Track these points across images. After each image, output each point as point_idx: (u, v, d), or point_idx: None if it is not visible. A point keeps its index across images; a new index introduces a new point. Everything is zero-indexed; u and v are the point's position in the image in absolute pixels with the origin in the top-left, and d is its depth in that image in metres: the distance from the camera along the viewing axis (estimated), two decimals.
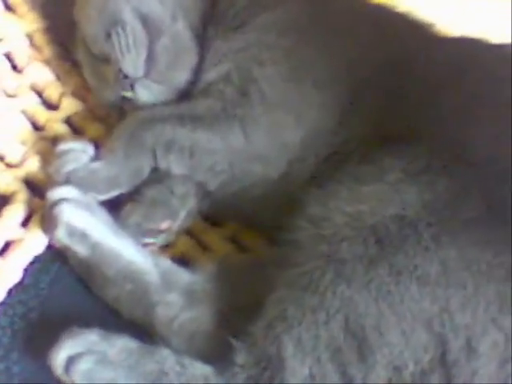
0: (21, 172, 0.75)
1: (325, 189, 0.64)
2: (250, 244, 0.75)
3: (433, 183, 0.60)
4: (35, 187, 0.75)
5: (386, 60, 0.69)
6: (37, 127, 0.80)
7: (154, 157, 0.70)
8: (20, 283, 0.67)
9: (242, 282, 0.67)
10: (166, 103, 0.74)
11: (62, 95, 0.82)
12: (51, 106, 0.82)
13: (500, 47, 0.72)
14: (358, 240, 0.58)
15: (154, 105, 0.73)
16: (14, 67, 0.83)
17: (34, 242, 0.69)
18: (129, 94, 0.73)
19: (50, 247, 0.69)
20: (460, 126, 0.64)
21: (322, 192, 0.64)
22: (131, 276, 0.66)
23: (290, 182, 0.69)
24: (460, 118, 0.65)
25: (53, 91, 0.82)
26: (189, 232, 0.74)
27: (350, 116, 0.68)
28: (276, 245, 0.68)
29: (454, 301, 0.56)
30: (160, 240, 0.71)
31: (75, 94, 0.83)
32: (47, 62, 0.84)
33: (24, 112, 0.81)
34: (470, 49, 0.71)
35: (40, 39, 0.85)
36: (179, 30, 0.73)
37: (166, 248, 0.72)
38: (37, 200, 0.73)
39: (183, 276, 0.67)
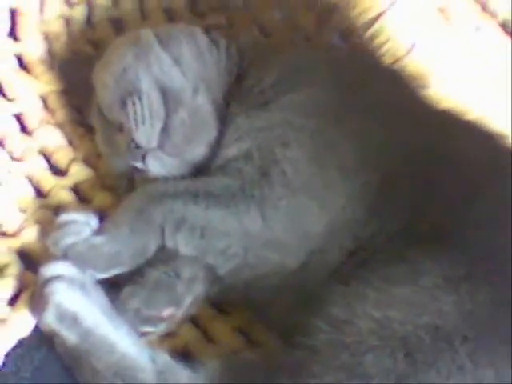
0: (16, 242, 0.70)
1: (349, 287, 0.58)
2: (260, 338, 0.69)
3: (473, 293, 0.55)
4: (30, 260, 0.69)
5: (420, 152, 0.64)
6: (40, 193, 0.76)
7: (162, 235, 0.65)
8: None
9: None
10: (178, 177, 0.69)
11: (71, 161, 0.78)
12: (59, 172, 0.78)
13: None
14: (386, 352, 0.52)
15: (167, 178, 0.69)
16: (24, 129, 0.80)
17: (20, 324, 0.63)
18: (139, 165, 0.69)
19: (36, 330, 0.63)
20: (498, 233, 0.59)
21: (345, 291, 0.58)
22: (123, 373, 0.59)
23: (309, 274, 0.64)
24: (497, 224, 0.60)
25: (62, 156, 0.78)
26: (193, 320, 0.68)
27: (378, 208, 0.63)
28: (289, 344, 0.61)
29: None
30: (160, 329, 0.65)
31: (86, 161, 0.79)
32: (60, 126, 0.80)
33: (29, 177, 0.76)
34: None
35: (54, 102, 0.81)
36: (199, 104, 0.70)
37: (166, 337, 0.66)
38: (29, 274, 0.67)
39: (182, 375, 0.60)
